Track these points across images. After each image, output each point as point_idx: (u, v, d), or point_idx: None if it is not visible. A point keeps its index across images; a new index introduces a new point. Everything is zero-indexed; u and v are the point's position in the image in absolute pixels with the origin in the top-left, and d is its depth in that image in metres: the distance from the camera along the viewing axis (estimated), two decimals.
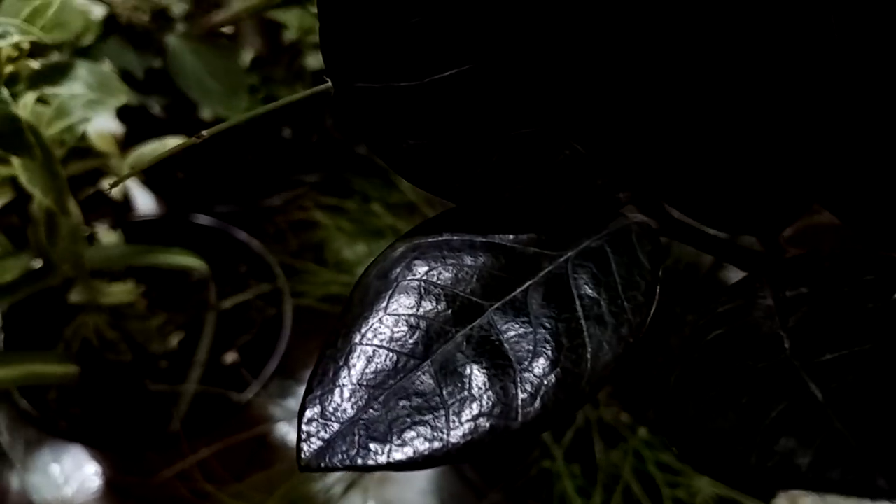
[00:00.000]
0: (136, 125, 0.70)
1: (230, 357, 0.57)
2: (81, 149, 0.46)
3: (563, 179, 0.24)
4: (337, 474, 0.54)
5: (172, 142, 0.51)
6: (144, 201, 0.74)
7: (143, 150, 0.50)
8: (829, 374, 0.17)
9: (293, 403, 0.67)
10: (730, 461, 0.16)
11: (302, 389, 0.63)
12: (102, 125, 0.56)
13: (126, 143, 0.57)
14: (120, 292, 0.50)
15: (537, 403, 0.19)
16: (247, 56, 0.77)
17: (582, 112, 0.23)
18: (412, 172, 0.23)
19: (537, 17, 0.22)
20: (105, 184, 0.48)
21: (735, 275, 0.29)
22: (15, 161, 0.42)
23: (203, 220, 0.67)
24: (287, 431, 0.66)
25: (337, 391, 0.20)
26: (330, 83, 0.23)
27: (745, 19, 0.21)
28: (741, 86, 0.22)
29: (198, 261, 0.52)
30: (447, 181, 0.23)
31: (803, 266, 0.24)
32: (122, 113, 0.67)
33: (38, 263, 0.50)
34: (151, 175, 0.73)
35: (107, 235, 0.54)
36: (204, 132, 0.24)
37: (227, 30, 0.79)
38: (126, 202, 0.70)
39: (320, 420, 0.19)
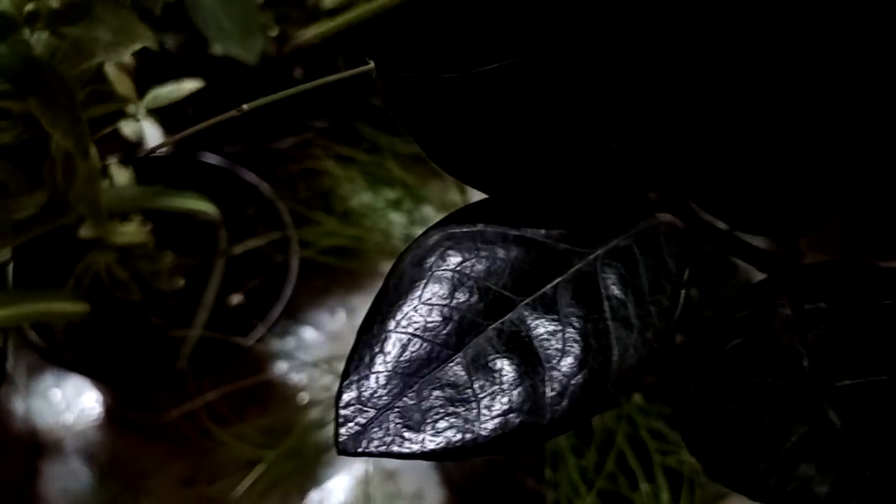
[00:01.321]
0: (147, 59, 0.69)
1: (235, 299, 0.58)
2: (101, 92, 0.45)
3: (596, 176, 0.24)
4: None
5: (189, 84, 0.51)
6: (153, 136, 0.74)
7: (159, 91, 0.50)
8: (847, 401, 0.18)
9: (295, 346, 0.69)
10: (751, 480, 0.17)
11: (305, 333, 0.64)
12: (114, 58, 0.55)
13: (137, 76, 0.57)
14: (132, 232, 0.51)
15: (564, 402, 0.20)
16: None
17: (618, 112, 0.24)
18: (450, 163, 0.24)
19: (579, 18, 0.22)
20: (124, 127, 0.47)
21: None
22: (34, 101, 0.42)
23: (211, 158, 0.67)
24: (287, 374, 0.67)
25: (373, 377, 0.21)
26: (373, 66, 0.23)
27: (775, 33, 0.21)
28: (769, 94, 0.23)
29: (210, 206, 0.52)
30: (483, 173, 0.24)
31: (820, 277, 0.24)
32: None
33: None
34: (161, 111, 0.73)
35: (118, 173, 0.54)
36: (245, 106, 0.24)
37: None
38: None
39: (357, 405, 0.20)
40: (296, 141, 0.71)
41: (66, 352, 0.55)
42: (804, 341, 0.21)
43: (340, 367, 0.58)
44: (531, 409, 0.20)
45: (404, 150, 0.66)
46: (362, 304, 0.75)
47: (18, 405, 0.65)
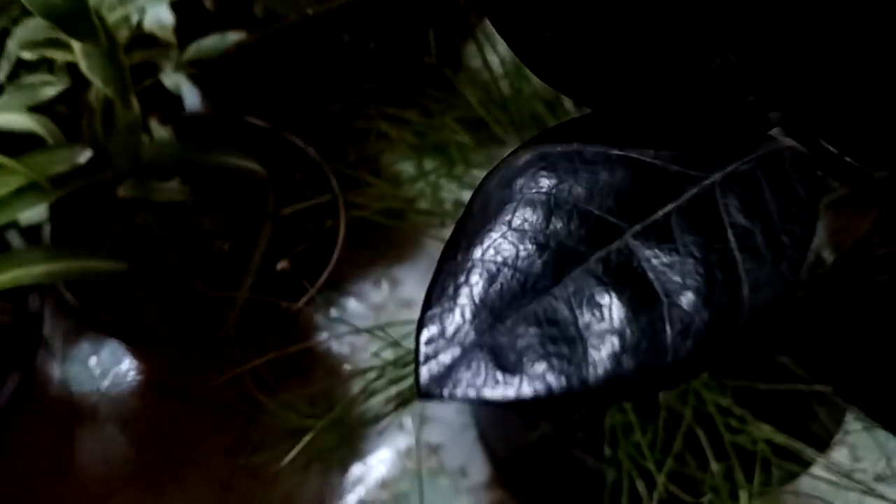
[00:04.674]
0: (187, 19, 0.67)
1: (281, 264, 0.56)
2: (143, 37, 0.43)
3: (711, 91, 0.21)
4: (384, 398, 0.53)
5: (234, 35, 0.48)
6: (191, 98, 0.71)
7: (203, 42, 0.47)
8: None
9: (338, 316, 0.66)
10: None
11: (348, 304, 0.61)
12: (156, 16, 0.53)
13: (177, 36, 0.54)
14: (171, 190, 0.49)
15: (689, 342, 0.17)
16: None
17: (737, 17, 0.20)
18: (546, 69, 0.20)
19: None
20: (165, 79, 0.45)
21: None
22: (76, 46, 0.39)
23: (255, 121, 0.64)
24: (331, 344, 0.65)
25: (458, 310, 0.18)
26: None
27: None
28: None
29: (256, 164, 0.50)
30: (583, 82, 0.21)
31: None
32: (175, 5, 0.64)
33: (86, 156, 0.48)
34: (201, 72, 0.70)
35: (158, 130, 0.52)
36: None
37: None
38: (175, 98, 0.67)
39: (440, 340, 0.17)
40: (344, 104, 0.68)
41: (101, 313, 0.53)
42: None
43: (385, 335, 0.55)
44: (649, 350, 0.17)
45: (457, 114, 0.63)
46: (406, 276, 0.73)
47: (55, 371, 0.63)
